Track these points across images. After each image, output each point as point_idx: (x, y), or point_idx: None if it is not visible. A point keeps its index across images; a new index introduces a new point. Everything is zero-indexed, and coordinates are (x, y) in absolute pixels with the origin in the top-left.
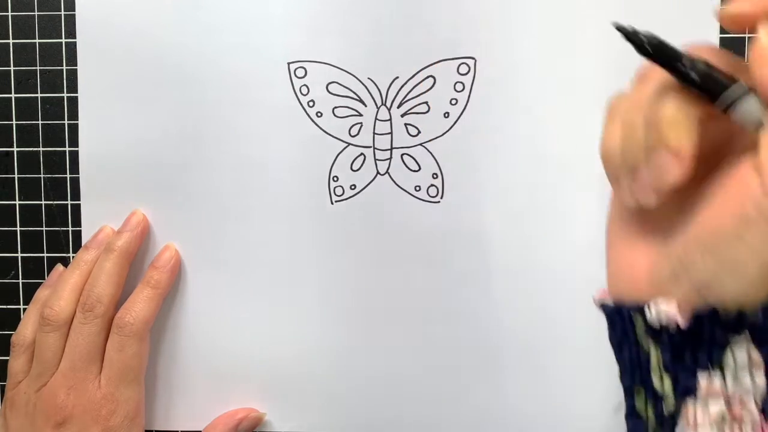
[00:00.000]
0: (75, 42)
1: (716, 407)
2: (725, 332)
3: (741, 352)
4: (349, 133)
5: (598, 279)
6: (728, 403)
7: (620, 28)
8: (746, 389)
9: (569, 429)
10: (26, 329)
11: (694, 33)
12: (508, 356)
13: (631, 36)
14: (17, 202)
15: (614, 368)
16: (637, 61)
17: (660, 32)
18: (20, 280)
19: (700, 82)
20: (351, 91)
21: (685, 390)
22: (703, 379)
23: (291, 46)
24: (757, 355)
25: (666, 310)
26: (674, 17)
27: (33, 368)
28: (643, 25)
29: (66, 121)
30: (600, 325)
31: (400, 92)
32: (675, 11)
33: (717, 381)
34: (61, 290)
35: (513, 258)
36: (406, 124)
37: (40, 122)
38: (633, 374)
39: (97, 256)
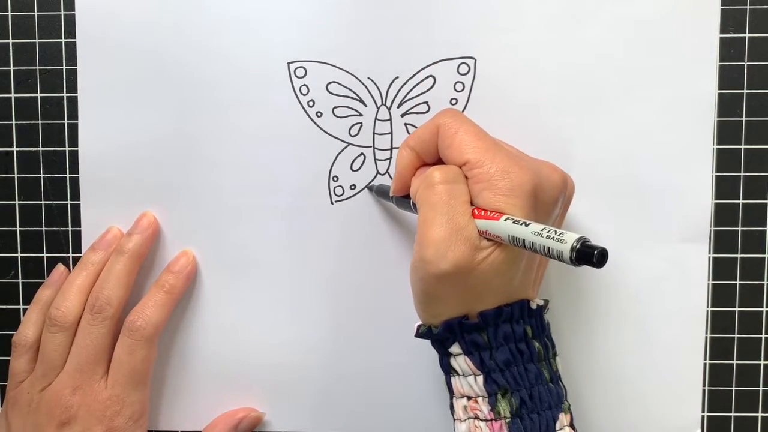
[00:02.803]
0: (74, 42)
1: (462, 402)
2: (438, 346)
3: (461, 360)
4: (349, 133)
5: (595, 274)
6: (470, 399)
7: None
8: (474, 391)
9: None
10: (28, 329)
11: (694, 33)
12: None
13: (371, 190)
14: (17, 202)
15: None
16: (636, 61)
17: (660, 32)
18: (20, 280)
19: (397, 202)
20: (351, 91)
21: (449, 389)
22: (453, 381)
23: (291, 46)
24: (471, 365)
25: (415, 326)
26: (674, 17)
27: (37, 368)
28: (643, 26)
29: (66, 121)
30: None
31: (400, 92)
32: (675, 11)
33: (458, 383)
34: (67, 291)
35: None
36: (406, 124)
37: (39, 122)
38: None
39: (104, 257)
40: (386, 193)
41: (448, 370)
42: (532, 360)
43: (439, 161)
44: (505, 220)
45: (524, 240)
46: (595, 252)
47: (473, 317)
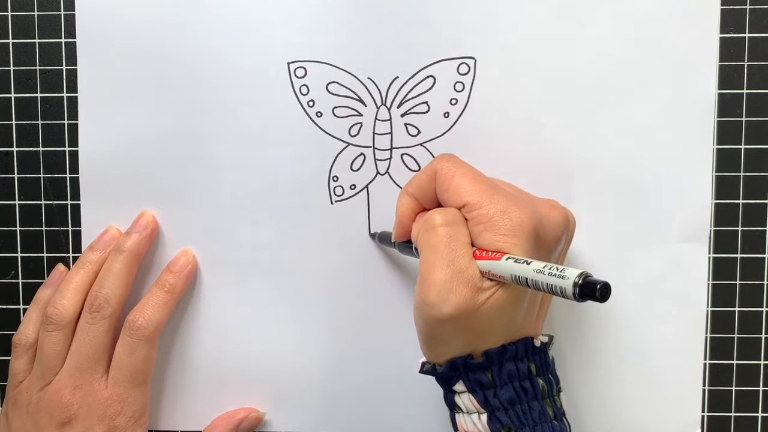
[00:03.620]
0: (75, 42)
1: None
2: (443, 383)
3: (465, 398)
4: (349, 133)
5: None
6: None
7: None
8: (478, 429)
9: None
10: (28, 329)
11: (694, 33)
12: None
13: (373, 237)
14: (17, 202)
15: None
16: (636, 61)
17: (660, 32)
18: (20, 280)
19: (399, 247)
20: (351, 91)
21: (453, 424)
22: (457, 417)
23: (291, 46)
24: (475, 403)
25: (420, 362)
26: (674, 17)
27: (35, 367)
28: (643, 26)
29: (66, 121)
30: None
31: (400, 92)
32: (675, 11)
33: (462, 420)
34: (65, 290)
35: None
36: (406, 124)
37: (39, 122)
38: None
39: (102, 256)
40: (389, 239)
41: (453, 407)
42: (536, 398)
43: (439, 206)
44: (507, 259)
45: (527, 278)
46: (598, 286)
47: (477, 356)
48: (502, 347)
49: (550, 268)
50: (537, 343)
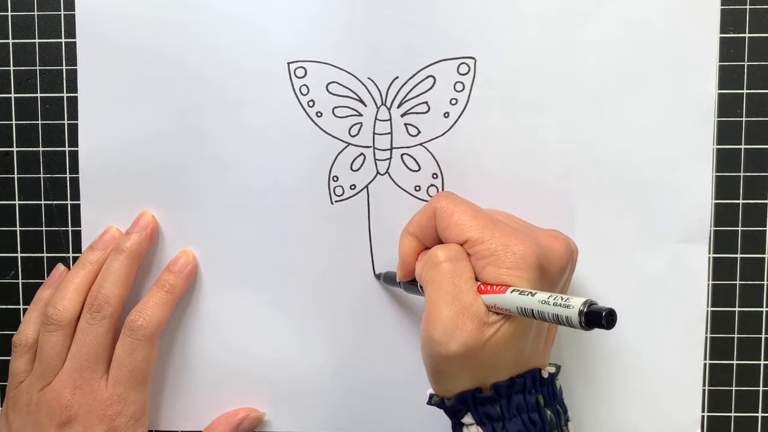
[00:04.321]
0: (75, 42)
1: None
2: (450, 415)
3: (473, 430)
4: (349, 133)
5: (596, 277)
6: None
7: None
8: None
9: None
10: (28, 329)
11: (694, 33)
12: None
13: (378, 278)
14: (17, 202)
15: None
16: (636, 61)
17: (660, 32)
18: (20, 280)
19: (405, 287)
20: (351, 91)
21: None
22: None
23: (291, 46)
24: None
25: (427, 394)
26: (674, 17)
27: (36, 368)
28: (643, 25)
29: (66, 121)
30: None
31: (400, 92)
32: (675, 11)
33: None
34: (65, 290)
35: None
36: (406, 124)
37: (39, 122)
38: None
39: (102, 256)
40: (393, 279)
41: None
42: (544, 430)
43: (440, 243)
44: (512, 291)
45: (532, 310)
46: (603, 314)
47: (486, 390)
48: (510, 380)
49: (554, 298)
50: (545, 375)
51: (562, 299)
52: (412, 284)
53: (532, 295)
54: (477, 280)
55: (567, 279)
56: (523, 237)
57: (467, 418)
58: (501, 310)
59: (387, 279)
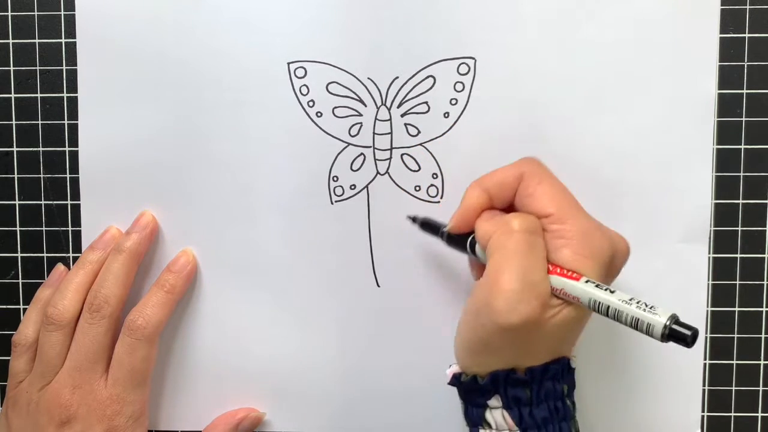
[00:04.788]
0: (75, 42)
1: None
2: (475, 396)
3: (497, 414)
4: (349, 133)
5: None
6: None
7: (412, 219)
8: None
9: None
10: (28, 329)
11: (694, 33)
12: None
13: (413, 221)
14: (17, 202)
15: None
16: (636, 61)
17: (660, 32)
18: (20, 280)
19: (448, 239)
20: (351, 91)
21: None
22: None
23: (291, 46)
24: (509, 419)
25: (448, 373)
26: (674, 17)
27: (35, 367)
28: (643, 26)
29: (66, 121)
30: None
31: (400, 92)
32: (675, 11)
33: None
34: (65, 290)
35: None
36: (406, 124)
37: (40, 122)
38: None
39: (102, 256)
40: (434, 227)
41: (479, 423)
42: (565, 418)
43: (509, 208)
44: (586, 282)
45: (608, 306)
46: (690, 333)
47: (521, 372)
48: (545, 366)
49: (638, 303)
50: (573, 365)
51: (646, 305)
52: (460, 239)
53: (611, 292)
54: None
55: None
56: (603, 230)
57: (494, 401)
58: (566, 296)
59: (425, 225)
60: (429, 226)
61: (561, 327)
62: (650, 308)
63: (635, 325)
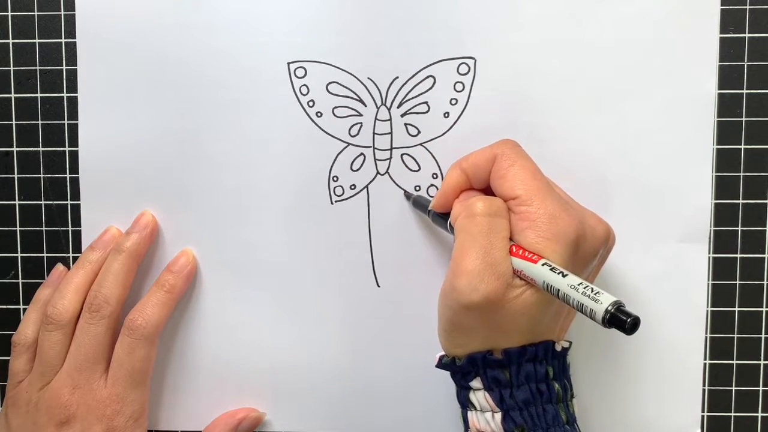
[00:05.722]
0: (75, 42)
1: None
2: (458, 378)
3: (480, 396)
4: (349, 133)
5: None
6: None
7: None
8: (491, 428)
9: None
10: (27, 329)
11: (694, 33)
12: None
13: (408, 198)
14: (17, 202)
15: None
16: (636, 61)
17: (660, 32)
18: (20, 280)
19: (433, 217)
20: (351, 91)
21: (464, 422)
22: (470, 415)
23: (291, 46)
24: (491, 400)
25: (436, 357)
26: (674, 17)
27: (35, 367)
28: (643, 25)
29: (66, 121)
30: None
31: (400, 92)
32: (675, 11)
33: (475, 418)
34: (64, 289)
35: None
36: (406, 124)
37: (40, 122)
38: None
39: (102, 256)
40: (424, 205)
41: (466, 404)
42: (551, 401)
43: (487, 188)
44: (543, 264)
45: (558, 290)
46: (628, 320)
47: (497, 353)
48: (522, 347)
49: (585, 287)
50: (558, 348)
51: (592, 290)
52: (442, 218)
53: (563, 276)
54: (511, 240)
55: (597, 265)
56: (571, 212)
57: (476, 382)
58: (527, 278)
59: (417, 203)
60: (419, 204)
61: (527, 308)
62: (595, 294)
63: (581, 309)
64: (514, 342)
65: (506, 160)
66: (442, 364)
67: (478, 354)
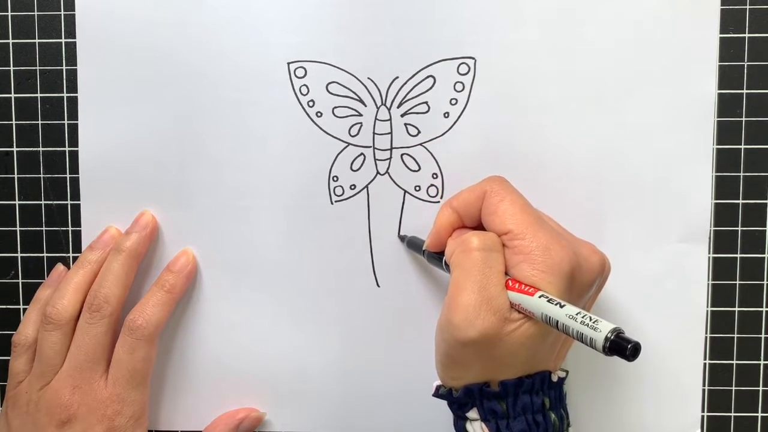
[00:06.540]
0: (75, 42)
1: None
2: (455, 408)
3: (476, 426)
4: (349, 133)
5: None
6: None
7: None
8: None
9: None
10: (27, 329)
11: (694, 33)
12: None
13: (402, 240)
14: (17, 202)
15: None
16: (636, 61)
17: (660, 32)
18: (20, 280)
19: (428, 256)
20: (351, 91)
21: None
22: None
23: (291, 46)
24: (486, 431)
25: (433, 386)
26: (674, 17)
27: (35, 367)
28: (643, 26)
29: (66, 121)
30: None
31: (400, 92)
32: (675, 11)
33: None
34: (64, 289)
35: None
36: (406, 124)
37: (40, 122)
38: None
39: (102, 256)
40: (418, 246)
41: None
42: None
43: (479, 226)
44: (540, 296)
45: (557, 321)
46: (629, 346)
47: (494, 385)
48: (519, 379)
49: (583, 316)
50: (554, 378)
51: (590, 319)
52: (437, 257)
53: (561, 307)
54: (507, 274)
55: (593, 294)
56: (564, 243)
57: (472, 413)
58: (524, 311)
59: (411, 244)
60: (414, 245)
61: (525, 341)
62: (594, 322)
63: (581, 338)
64: (511, 374)
65: (495, 196)
66: (439, 394)
67: (475, 386)
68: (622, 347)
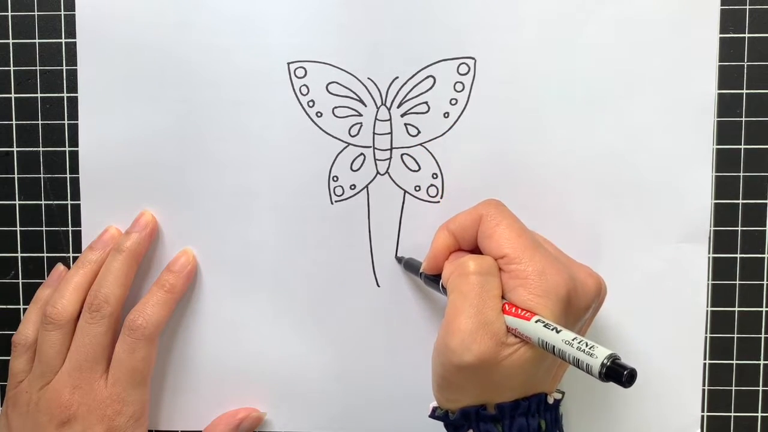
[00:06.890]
0: (75, 42)
1: None
2: (451, 430)
3: None
4: (349, 133)
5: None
6: None
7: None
8: None
9: None
10: (27, 329)
11: (694, 33)
12: None
13: (399, 261)
14: (17, 202)
15: None
16: (636, 61)
17: (660, 32)
18: (20, 280)
19: (425, 279)
20: (351, 91)
21: None
22: None
23: (291, 46)
24: None
25: (429, 407)
26: (674, 17)
27: (35, 367)
28: (643, 26)
29: (66, 121)
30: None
31: (400, 92)
32: (675, 11)
33: None
34: (64, 289)
35: None
36: (406, 124)
37: (40, 122)
38: None
39: (102, 256)
40: (415, 268)
41: None
42: None
43: (475, 249)
44: (536, 321)
45: (554, 346)
46: (625, 372)
47: (490, 408)
48: (515, 402)
49: (579, 342)
50: (550, 400)
51: (586, 345)
52: (434, 280)
53: (557, 332)
54: (503, 298)
55: (590, 317)
56: (560, 267)
57: None
58: (521, 335)
59: (408, 266)
60: (411, 267)
61: (522, 365)
62: (590, 348)
63: (577, 364)
64: (507, 397)
65: (492, 220)
66: (435, 416)
67: (471, 408)
68: (618, 373)
